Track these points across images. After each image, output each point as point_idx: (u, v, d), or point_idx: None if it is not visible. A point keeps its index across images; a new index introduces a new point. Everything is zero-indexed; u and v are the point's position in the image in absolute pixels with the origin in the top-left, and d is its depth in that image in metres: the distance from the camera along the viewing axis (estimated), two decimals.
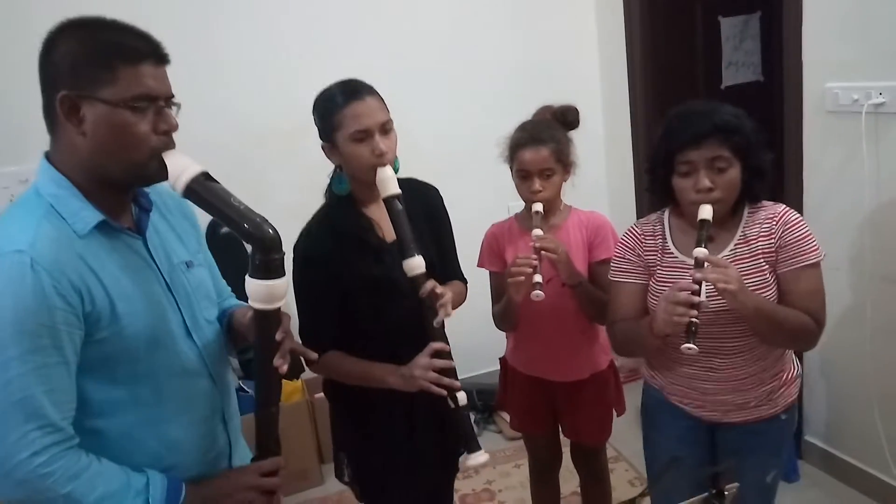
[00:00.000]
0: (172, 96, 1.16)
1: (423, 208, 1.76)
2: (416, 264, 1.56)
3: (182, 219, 1.37)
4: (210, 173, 1.14)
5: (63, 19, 1.12)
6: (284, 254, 1.16)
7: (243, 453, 1.41)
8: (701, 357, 1.65)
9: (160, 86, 1.13)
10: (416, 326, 1.60)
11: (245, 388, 2.88)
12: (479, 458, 1.57)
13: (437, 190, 1.85)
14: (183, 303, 1.27)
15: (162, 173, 1.14)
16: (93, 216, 1.14)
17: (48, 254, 1.06)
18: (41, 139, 1.17)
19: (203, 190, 1.12)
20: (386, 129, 1.59)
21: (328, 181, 1.73)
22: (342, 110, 1.57)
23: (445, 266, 1.82)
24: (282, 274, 1.16)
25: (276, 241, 1.13)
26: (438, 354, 1.57)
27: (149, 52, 1.12)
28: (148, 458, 1.20)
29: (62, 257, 1.08)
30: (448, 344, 1.60)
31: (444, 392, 1.55)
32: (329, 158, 1.67)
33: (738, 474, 1.53)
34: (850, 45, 2.28)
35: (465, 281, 1.90)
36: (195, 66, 2.71)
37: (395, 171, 1.65)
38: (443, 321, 1.57)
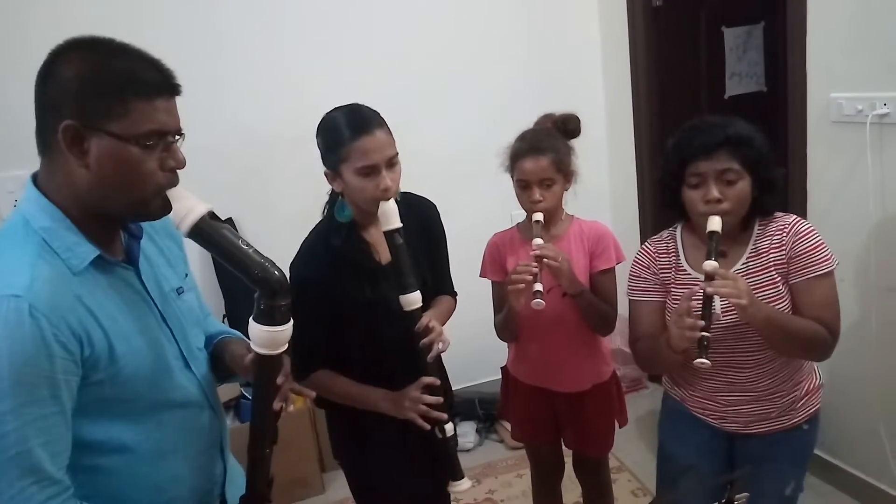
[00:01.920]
0: (181, 129, 1.11)
1: (419, 223, 1.77)
2: (413, 300, 1.58)
3: (169, 240, 1.30)
4: (215, 212, 1.09)
5: (68, 38, 1.05)
6: (291, 300, 1.12)
7: (237, 479, 1.38)
8: (719, 371, 1.65)
9: (171, 120, 1.08)
10: (409, 349, 1.62)
11: (247, 395, 2.88)
12: (462, 485, 1.67)
13: (434, 205, 1.86)
14: (178, 333, 1.22)
15: (165, 210, 1.09)
16: (89, 252, 1.08)
17: (46, 298, 1.00)
18: None
19: (211, 231, 1.07)
20: (392, 163, 1.59)
21: (326, 203, 1.74)
22: (351, 144, 1.55)
23: (437, 281, 1.83)
24: (287, 321, 1.12)
25: (283, 286, 1.09)
26: (430, 388, 1.63)
27: (162, 85, 1.06)
28: (146, 493, 1.17)
29: (60, 300, 1.01)
30: (440, 378, 1.65)
31: (428, 427, 1.62)
32: (331, 184, 1.67)
33: (756, 484, 1.51)
34: (855, 55, 2.27)
35: (454, 295, 1.92)
36: (199, 74, 2.72)
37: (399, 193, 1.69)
38: (438, 355, 1.62)
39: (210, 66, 2.85)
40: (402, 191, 1.73)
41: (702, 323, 1.46)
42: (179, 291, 1.26)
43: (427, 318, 1.60)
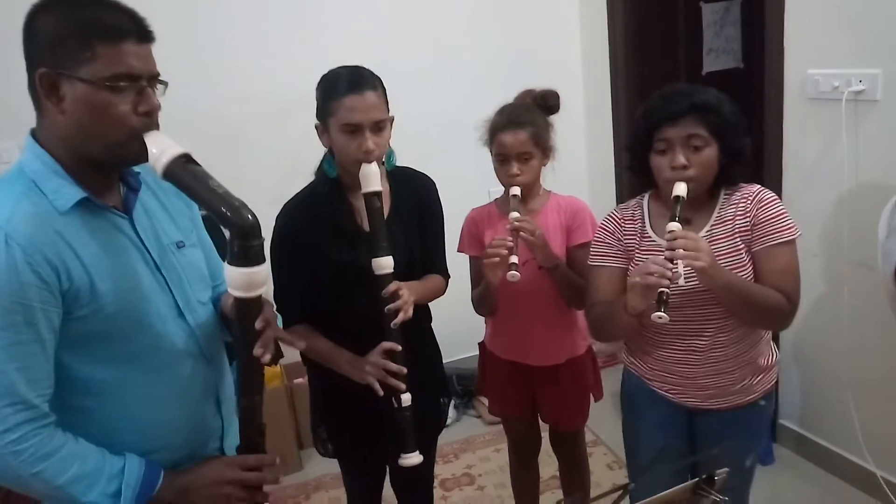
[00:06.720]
0: (157, 75, 1.13)
1: (414, 198, 1.78)
2: (384, 264, 1.59)
3: (175, 197, 1.33)
4: (191, 155, 1.10)
5: None
6: (264, 240, 1.11)
7: (237, 434, 1.38)
8: (678, 339, 1.67)
9: (142, 65, 1.10)
10: (381, 315, 1.61)
11: None
12: (412, 458, 1.64)
13: (432, 183, 1.86)
14: (174, 284, 1.26)
15: (143, 154, 1.11)
16: (74, 193, 1.12)
17: (24, 229, 1.06)
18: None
19: (182, 172, 1.08)
20: (379, 127, 1.59)
21: (320, 159, 1.74)
22: (340, 99, 1.57)
23: (427, 258, 1.83)
24: (261, 261, 1.11)
25: (254, 227, 1.08)
26: (391, 354, 1.61)
27: (131, 29, 1.09)
28: (136, 437, 1.20)
29: (38, 233, 1.07)
30: (401, 345, 1.62)
31: (381, 392, 1.61)
32: (320, 139, 1.67)
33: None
34: (832, 32, 2.28)
35: (446, 276, 1.90)
36: (175, 49, 2.65)
37: (392, 164, 1.72)
38: (401, 322, 1.60)
39: (187, 43, 2.76)
40: (400, 165, 1.77)
41: (668, 273, 1.45)
42: (180, 245, 1.30)
43: (396, 285, 1.59)
